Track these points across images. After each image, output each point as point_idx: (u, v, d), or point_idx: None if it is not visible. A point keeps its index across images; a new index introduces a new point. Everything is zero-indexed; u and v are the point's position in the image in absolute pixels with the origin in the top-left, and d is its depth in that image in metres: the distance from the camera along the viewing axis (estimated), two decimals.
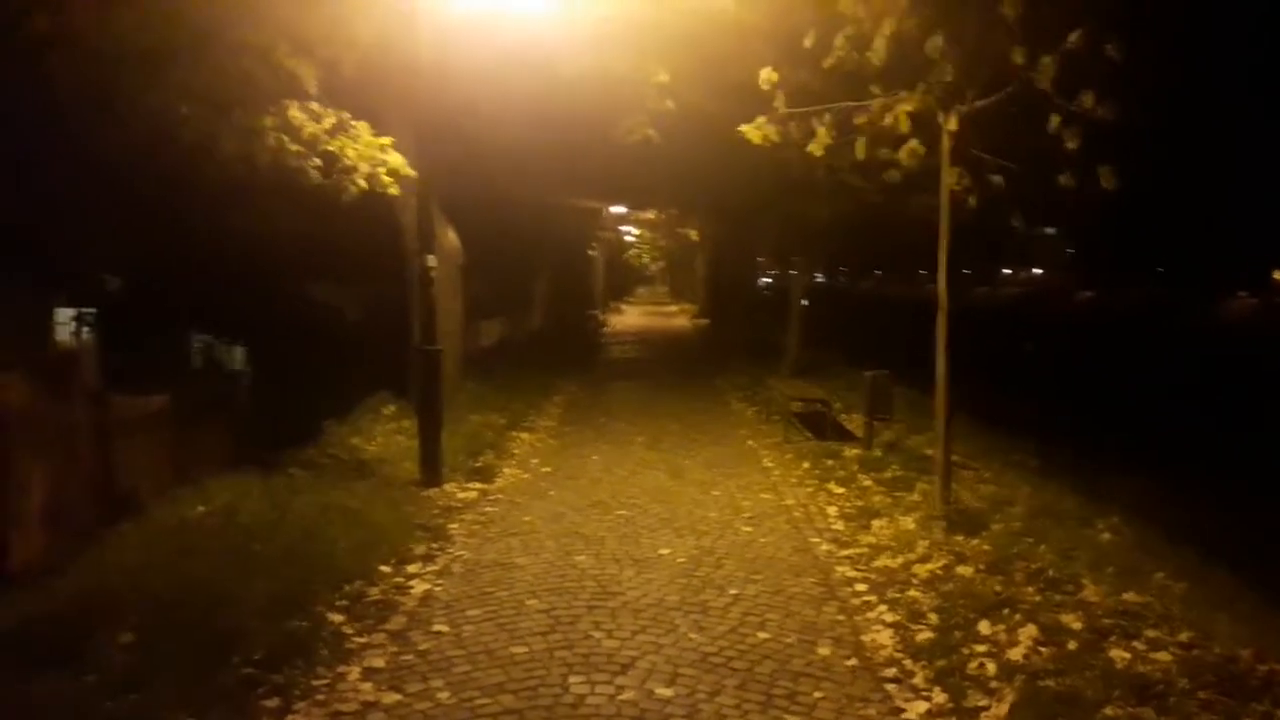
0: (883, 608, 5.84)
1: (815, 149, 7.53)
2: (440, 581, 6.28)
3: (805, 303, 19.14)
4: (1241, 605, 6.58)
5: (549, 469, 10.01)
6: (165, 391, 8.19)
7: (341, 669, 4.85)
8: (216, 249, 12.32)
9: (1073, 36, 6.14)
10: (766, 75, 7.44)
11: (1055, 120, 6.32)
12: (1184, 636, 5.19)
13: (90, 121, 8.80)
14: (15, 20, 6.36)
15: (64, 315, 14.04)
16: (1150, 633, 5.24)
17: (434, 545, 7.06)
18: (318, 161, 8.09)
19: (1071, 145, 6.19)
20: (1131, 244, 53.38)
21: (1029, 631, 5.20)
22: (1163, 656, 4.89)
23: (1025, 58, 6.39)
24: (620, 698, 4.56)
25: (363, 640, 5.23)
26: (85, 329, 13.90)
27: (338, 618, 5.44)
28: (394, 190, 8.84)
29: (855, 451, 10.63)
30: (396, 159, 8.75)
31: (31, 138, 8.80)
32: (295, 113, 7.98)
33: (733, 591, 6.13)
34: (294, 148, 7.92)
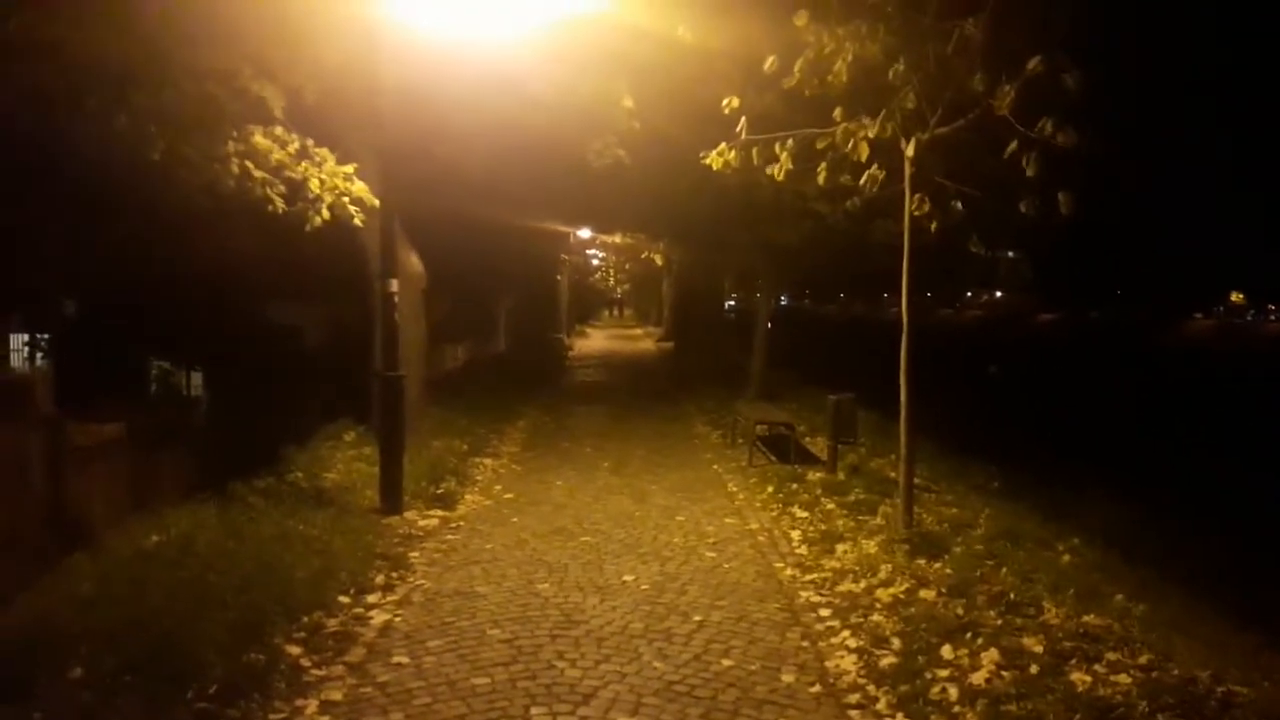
0: (846, 633, 5.84)
1: (777, 174, 7.57)
2: (400, 612, 6.18)
3: (769, 325, 19.22)
4: (1199, 627, 6.64)
5: (512, 495, 9.93)
6: (122, 418, 8.04)
7: (299, 702, 4.75)
8: (175, 272, 12.17)
9: (1031, 64, 6.23)
10: (728, 102, 7.49)
11: (1012, 146, 6.40)
12: (1144, 659, 5.22)
13: (50, 144, 8.66)
14: None
15: (17, 341, 13.80)
16: (1111, 655, 5.26)
17: (394, 574, 6.95)
18: (282, 189, 8.02)
19: (1030, 172, 6.26)
20: (1091, 267, 54.22)
21: (991, 655, 5.21)
22: (1123, 679, 4.91)
23: (985, 84, 6.48)
24: None
25: (320, 673, 5.13)
26: (39, 354, 13.67)
27: (295, 650, 5.34)
28: (359, 221, 8.79)
29: (819, 475, 10.64)
30: (361, 188, 8.70)
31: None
32: (260, 139, 7.92)
33: (697, 618, 6.10)
34: (259, 174, 7.85)
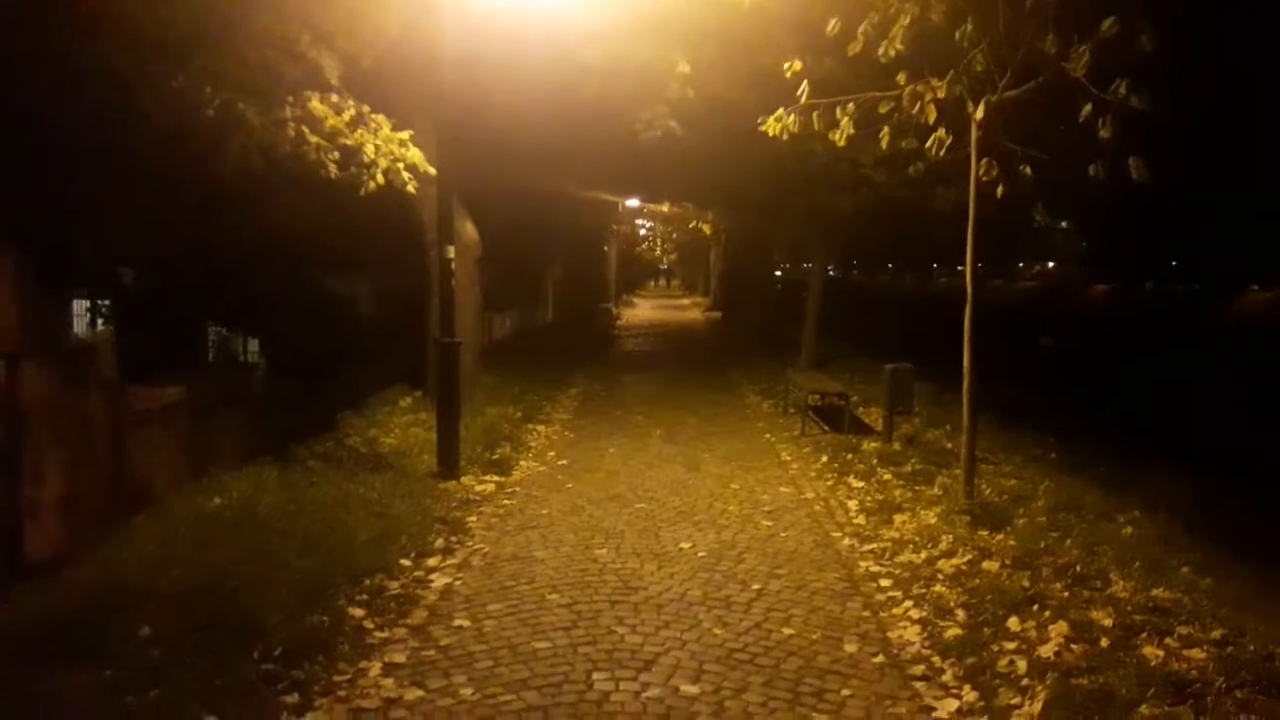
0: (908, 604, 5.77)
1: (838, 139, 7.42)
2: (460, 575, 6.22)
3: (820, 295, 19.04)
4: (1270, 602, 6.47)
5: (565, 462, 9.96)
6: (181, 383, 8.15)
7: (363, 664, 4.79)
8: (232, 240, 12.26)
9: (1106, 24, 6.02)
10: (790, 66, 7.33)
11: (1086, 109, 6.20)
12: (1216, 634, 5.08)
13: (111, 112, 8.72)
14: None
15: (79, 307, 14.03)
16: (1182, 629, 5.14)
17: (453, 538, 7.00)
18: (336, 155, 8.02)
19: (1105, 134, 6.06)
20: (1146, 238, 52.86)
21: (1059, 628, 5.11)
22: (1197, 654, 4.79)
23: (1057, 46, 6.28)
24: (645, 695, 4.49)
25: (383, 635, 5.18)
26: (100, 320, 13.89)
27: (358, 612, 5.39)
28: (412, 188, 8.77)
29: (874, 445, 10.52)
30: (416, 155, 8.67)
31: (54, 128, 8.76)
32: (317, 104, 7.91)
33: (755, 586, 6.06)
34: (314, 139, 7.85)
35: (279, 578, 5.45)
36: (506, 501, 8.21)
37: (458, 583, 6.07)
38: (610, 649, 5.02)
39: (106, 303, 13.98)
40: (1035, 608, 5.40)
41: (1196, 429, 15.24)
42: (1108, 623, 5.18)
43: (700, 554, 6.74)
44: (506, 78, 11.14)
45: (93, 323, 13.98)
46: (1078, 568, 6.09)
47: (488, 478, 8.90)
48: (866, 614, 5.64)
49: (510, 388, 13.53)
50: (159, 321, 12.95)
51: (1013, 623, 5.23)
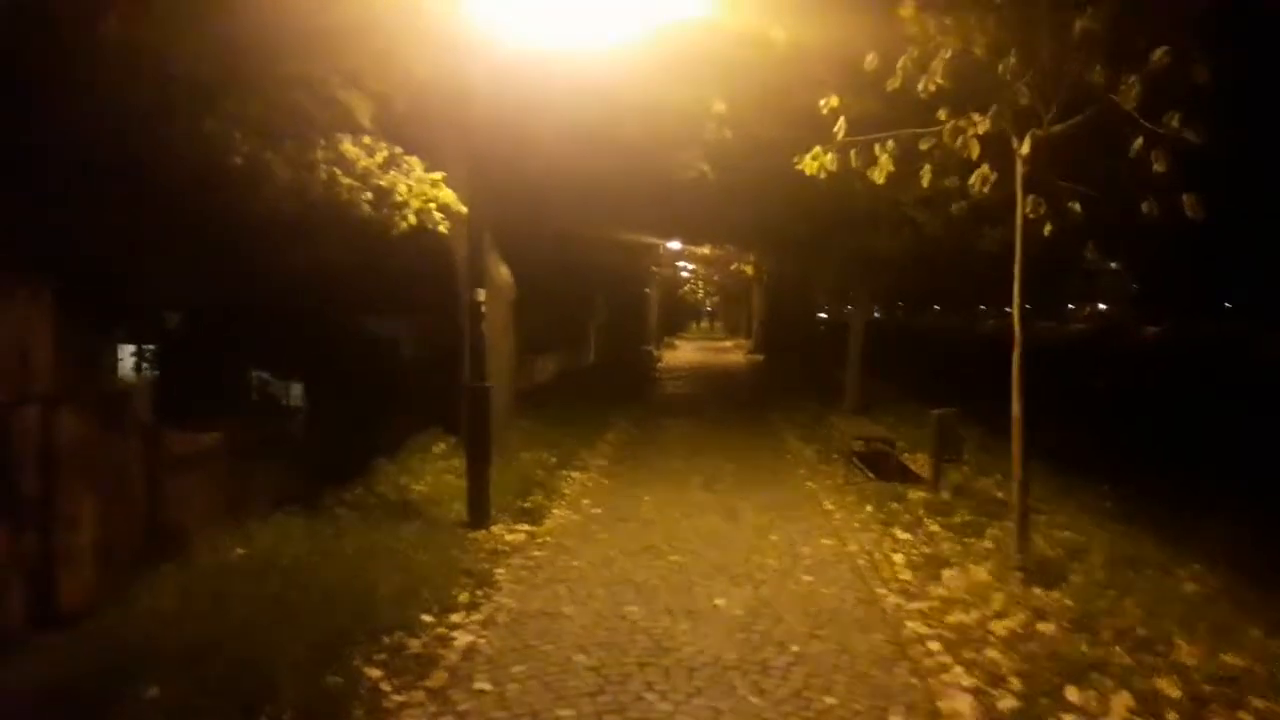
0: (959, 669, 5.39)
1: (877, 176, 7.18)
2: (484, 633, 5.96)
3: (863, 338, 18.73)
4: None
5: (600, 510, 9.69)
6: (222, 427, 8.05)
7: None
8: (272, 283, 12.26)
9: (1157, 55, 5.76)
10: (827, 102, 7.13)
11: (1138, 143, 5.92)
12: None
13: (150, 153, 8.75)
14: (89, 21, 6.15)
15: (125, 351, 14.11)
16: (1258, 702, 4.76)
17: (479, 592, 6.75)
18: (369, 195, 7.95)
19: (1159, 169, 5.78)
20: (1199, 276, 51.81)
21: (1123, 699, 4.74)
22: None
23: (1105, 78, 6.03)
24: None
25: (400, 698, 4.92)
26: (146, 364, 13.94)
27: (375, 673, 5.15)
28: (444, 228, 8.68)
29: (921, 494, 10.13)
30: (448, 195, 8.60)
31: (96, 171, 8.80)
32: (348, 146, 7.87)
33: (794, 649, 5.73)
34: (346, 181, 7.79)
35: (295, 634, 5.25)
36: (536, 553, 7.96)
37: (481, 641, 5.80)
38: (638, 718, 4.73)
39: (151, 348, 14.06)
40: (1096, 675, 5.03)
41: (1253, 471, 14.64)
42: (1175, 693, 4.80)
43: (736, 612, 6.42)
44: (543, 119, 11.09)
45: (138, 367, 14.03)
46: (1139, 630, 5.70)
47: (519, 527, 8.66)
48: (914, 681, 5.28)
49: (547, 432, 13.34)
50: (202, 365, 12.97)
51: (1071, 692, 4.86)
